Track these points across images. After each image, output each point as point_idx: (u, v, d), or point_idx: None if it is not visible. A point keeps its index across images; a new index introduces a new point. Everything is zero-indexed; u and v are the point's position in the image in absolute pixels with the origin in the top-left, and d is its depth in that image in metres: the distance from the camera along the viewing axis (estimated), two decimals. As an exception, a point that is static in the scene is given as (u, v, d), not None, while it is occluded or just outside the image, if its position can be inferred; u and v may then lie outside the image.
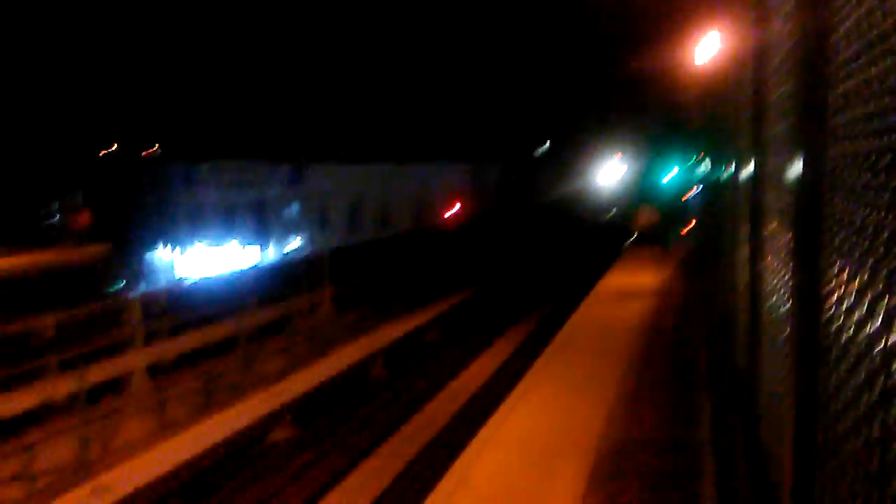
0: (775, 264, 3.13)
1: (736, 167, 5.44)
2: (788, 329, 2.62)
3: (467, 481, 7.62)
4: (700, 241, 18.67)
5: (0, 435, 11.68)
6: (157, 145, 43.43)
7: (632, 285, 18.95)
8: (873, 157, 1.75)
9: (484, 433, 9.00)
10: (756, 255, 3.78)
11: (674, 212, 28.09)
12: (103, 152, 41.02)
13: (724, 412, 5.90)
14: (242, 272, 21.13)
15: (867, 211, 1.79)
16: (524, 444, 8.53)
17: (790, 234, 2.68)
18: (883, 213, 1.67)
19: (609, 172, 43.39)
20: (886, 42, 1.72)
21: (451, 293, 23.31)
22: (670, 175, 29.65)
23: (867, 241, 1.83)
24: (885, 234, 1.67)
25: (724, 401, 5.91)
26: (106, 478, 9.60)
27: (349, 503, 9.85)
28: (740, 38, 5.53)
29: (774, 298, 3.14)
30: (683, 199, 27.77)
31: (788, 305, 2.72)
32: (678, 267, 22.14)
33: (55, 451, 11.27)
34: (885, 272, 1.71)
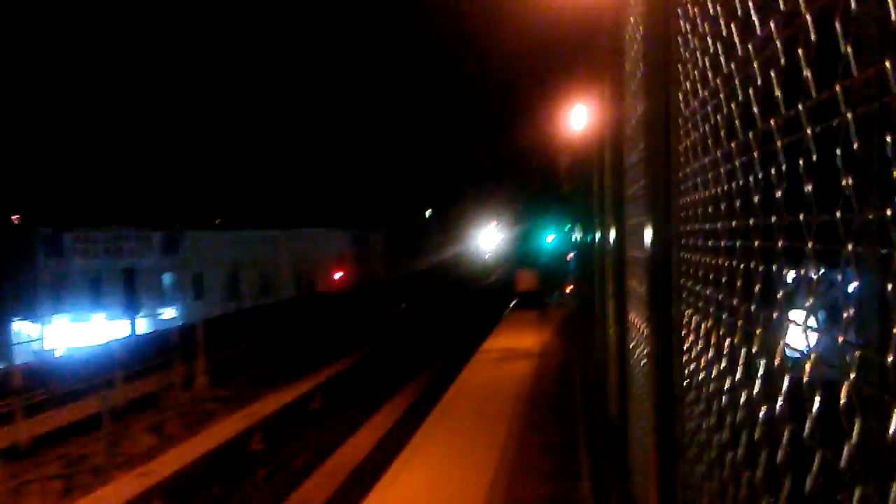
0: (637, 318, 3.27)
1: (602, 230, 5.69)
2: (649, 381, 2.72)
3: (349, 555, 7.35)
4: (577, 303, 19.29)
5: None
6: (18, 213, 40.99)
7: (513, 347, 19.25)
8: (710, 207, 1.88)
9: (367, 504, 8.75)
10: (621, 310, 3.94)
11: (552, 275, 28.96)
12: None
13: (602, 466, 6.00)
14: (110, 345, 19.97)
15: (709, 258, 1.91)
16: (407, 512, 8.34)
17: (646, 288, 2.81)
18: (722, 260, 1.78)
19: (488, 237, 44.46)
20: (715, 103, 1.87)
21: (334, 360, 22.90)
22: (548, 240, 30.69)
23: (711, 288, 1.94)
24: (724, 279, 1.78)
25: (601, 455, 6.03)
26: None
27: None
28: (601, 112, 5.87)
29: (637, 350, 3.26)
30: (560, 264, 28.71)
31: (648, 358, 2.84)
32: (557, 328, 22.71)
33: None
34: (725, 316, 1.81)
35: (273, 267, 42.33)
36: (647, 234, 2.52)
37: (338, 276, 41.03)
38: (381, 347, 26.65)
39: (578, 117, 11.71)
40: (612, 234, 4.13)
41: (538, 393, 13.95)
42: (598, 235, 6.20)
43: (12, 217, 40.73)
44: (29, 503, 12.57)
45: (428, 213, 63.48)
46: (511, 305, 28.78)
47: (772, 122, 1.37)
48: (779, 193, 1.36)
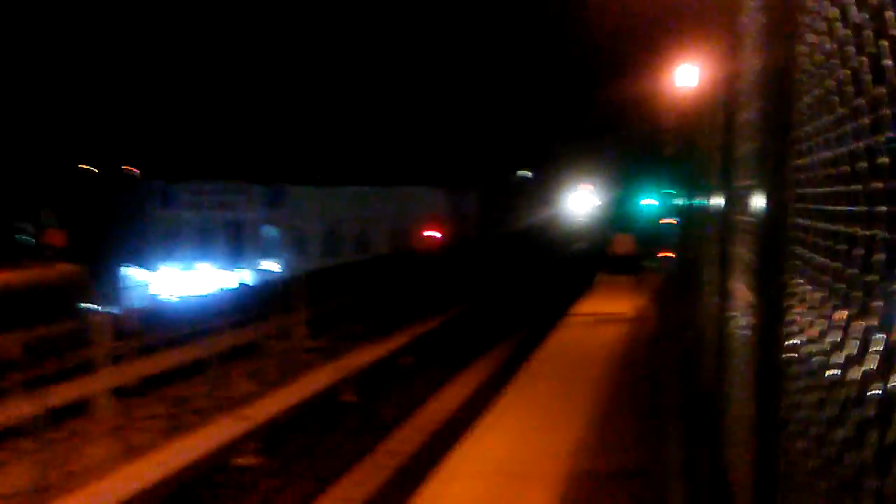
0: (741, 285, 3.09)
1: (707, 193, 5.43)
2: (750, 351, 2.57)
3: (434, 509, 7.46)
4: (675, 269, 18.76)
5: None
6: (133, 165, 43.10)
7: (606, 312, 18.95)
8: (830, 169, 1.71)
9: (452, 462, 8.85)
10: (724, 277, 3.74)
11: (650, 240, 28.22)
12: (81, 168, 40.62)
13: (694, 441, 5.83)
14: (215, 294, 20.86)
15: (826, 224, 1.75)
16: (492, 473, 8.38)
17: (753, 256, 2.64)
18: (841, 226, 1.62)
19: (586, 199, 43.68)
20: (842, 56, 1.68)
21: (426, 318, 23.17)
22: (647, 203, 29.87)
23: (828, 258, 1.78)
24: (846, 249, 1.62)
25: (694, 429, 5.85)
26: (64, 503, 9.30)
27: (315, 531, 9.62)
28: (713, 66, 5.56)
29: (738, 320, 3.09)
30: (659, 228, 27.92)
31: (750, 328, 2.67)
32: (653, 295, 22.19)
33: (13, 474, 10.95)
34: (843, 290, 1.65)
35: (371, 224, 43.05)
36: (759, 197, 2.34)
37: (431, 234, 41.34)
38: (472, 307, 26.78)
39: (685, 75, 11.21)
40: (719, 198, 3.92)
41: (630, 358, 13.71)
42: (701, 199, 5.93)
43: (125, 168, 42.89)
44: (136, 439, 13.37)
45: (526, 173, 62.88)
46: (604, 270, 28.28)
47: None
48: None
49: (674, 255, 25.12)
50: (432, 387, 16.71)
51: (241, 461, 11.77)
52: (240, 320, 18.82)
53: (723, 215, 3.80)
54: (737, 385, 3.03)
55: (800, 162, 2.17)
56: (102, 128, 39.37)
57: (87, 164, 40.81)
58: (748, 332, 2.70)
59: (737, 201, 3.47)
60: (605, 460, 8.57)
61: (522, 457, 8.81)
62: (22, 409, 12.18)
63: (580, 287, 25.23)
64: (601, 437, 9.37)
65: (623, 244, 24.61)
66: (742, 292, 3.00)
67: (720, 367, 3.71)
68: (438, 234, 39.23)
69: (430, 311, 24.16)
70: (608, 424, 9.89)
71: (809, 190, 2.04)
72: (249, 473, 11.49)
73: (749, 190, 2.89)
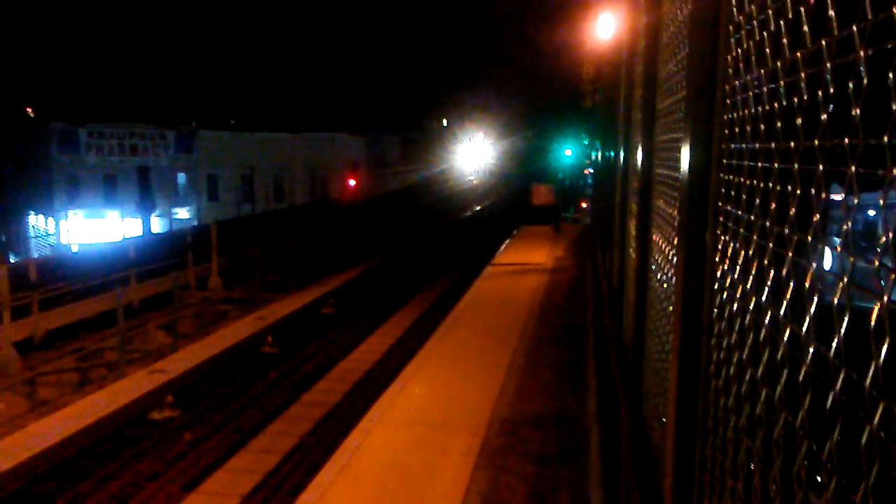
0: (663, 240, 3.10)
1: (627, 145, 5.46)
2: (673, 304, 2.59)
3: (356, 460, 7.47)
4: (592, 220, 19.10)
5: None
6: (33, 106, 40.64)
7: (526, 262, 19.21)
8: (761, 125, 1.68)
9: (374, 411, 8.87)
10: (644, 230, 3.77)
11: (567, 191, 28.63)
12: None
13: (611, 389, 5.97)
14: (124, 243, 20.09)
15: (753, 182, 1.74)
16: (415, 421, 8.45)
17: (677, 209, 2.64)
18: (769, 183, 1.61)
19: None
20: (780, 7, 1.65)
21: (346, 268, 23.00)
22: (566, 154, 30.22)
23: (752, 214, 1.77)
24: (771, 204, 1.61)
25: (611, 377, 5.98)
26: (-36, 463, 8.89)
27: (234, 484, 9.50)
28: (633, 18, 5.53)
29: (660, 273, 3.11)
30: (578, 179, 28.35)
31: (673, 280, 2.69)
32: (571, 245, 22.62)
33: None
34: (769, 244, 1.65)
35: (287, 171, 42.10)
36: (685, 152, 2.32)
37: (352, 182, 40.80)
38: (392, 257, 26.71)
39: (606, 25, 11.22)
40: (640, 151, 3.92)
41: (549, 308, 13.96)
42: (621, 151, 5.97)
43: (27, 109, 40.44)
44: (45, 394, 12.87)
45: (444, 122, 62.59)
46: (523, 221, 28.59)
47: (823, 42, 1.23)
48: (824, 116, 1.24)
49: (591, 206, 25.58)
50: (354, 338, 16.66)
51: (156, 415, 11.49)
52: (152, 270, 18.24)
53: (644, 169, 3.81)
54: (658, 336, 3.07)
55: (726, 116, 2.15)
56: (2, 66, 36.91)
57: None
58: (672, 288, 2.72)
59: (658, 154, 3.48)
60: (526, 408, 8.75)
61: (445, 406, 8.90)
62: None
63: (501, 237, 25.46)
64: (522, 385, 9.55)
65: (542, 194, 24.88)
66: (665, 246, 3.01)
67: (640, 319, 3.76)
68: (358, 183, 38.77)
69: (350, 262, 23.98)
70: (528, 373, 10.08)
71: (735, 146, 2.03)
72: (166, 427, 11.23)
73: (672, 143, 2.89)
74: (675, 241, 2.69)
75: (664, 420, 2.81)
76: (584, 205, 33.22)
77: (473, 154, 48.20)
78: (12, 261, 22.18)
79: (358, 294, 20.74)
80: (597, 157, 16.97)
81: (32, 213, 32.47)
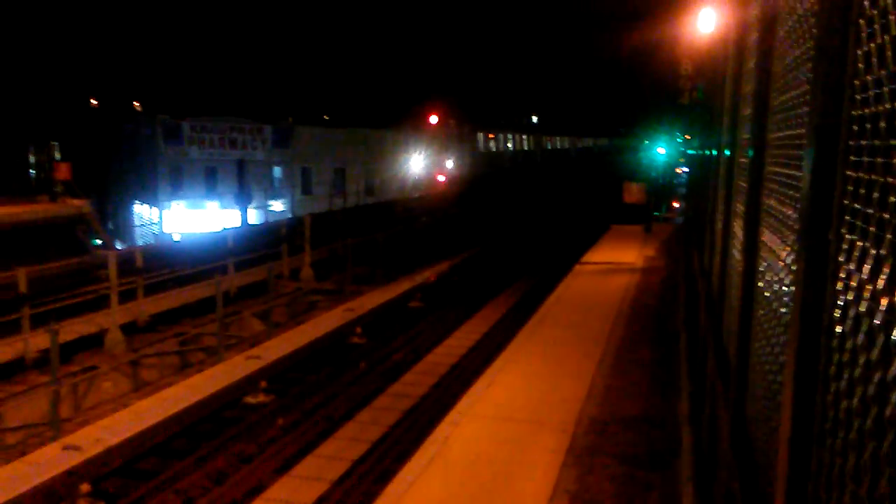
0: (775, 241, 3.00)
1: (733, 142, 5.30)
2: (786, 305, 2.51)
3: (444, 452, 7.54)
4: (687, 219, 18.62)
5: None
6: (140, 100, 42.65)
7: (615, 261, 18.91)
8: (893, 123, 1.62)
9: (462, 405, 8.92)
10: (752, 231, 3.66)
11: (661, 190, 27.99)
12: (91, 102, 40.21)
13: (707, 391, 5.83)
14: (223, 233, 20.84)
15: (887, 179, 1.67)
16: (503, 417, 8.46)
17: (793, 208, 2.56)
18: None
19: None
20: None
21: (435, 262, 23.19)
22: (659, 152, 29.53)
23: (885, 216, 1.70)
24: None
25: (707, 380, 5.84)
26: (77, 436, 9.44)
27: (324, 469, 9.75)
28: (742, 10, 5.36)
29: (771, 275, 3.01)
30: (671, 178, 27.67)
31: (787, 280, 2.61)
32: (662, 246, 22.13)
33: (26, 407, 11.10)
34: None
35: (378, 166, 42.70)
36: (809, 150, 2.25)
37: (441, 178, 41.09)
38: (480, 253, 26.76)
39: (707, 19, 10.90)
40: (749, 148, 3.80)
41: (639, 308, 13.71)
42: (725, 149, 5.80)
43: (134, 104, 42.45)
44: (147, 376, 13.52)
45: (532, 118, 62.22)
46: (615, 219, 28.13)
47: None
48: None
49: (684, 205, 24.94)
50: (441, 331, 16.80)
51: (251, 399, 11.90)
52: (248, 259, 18.86)
53: (754, 167, 3.69)
54: (767, 340, 2.98)
55: (855, 113, 2.07)
56: (112, 62, 38.88)
57: (96, 99, 40.42)
58: (785, 289, 2.63)
59: (771, 151, 3.37)
60: (615, 407, 8.63)
61: (533, 402, 8.88)
62: (34, 343, 12.30)
63: (592, 235, 25.13)
64: (611, 384, 9.42)
65: (633, 193, 24.40)
66: (777, 247, 2.92)
67: (745, 323, 3.66)
68: (448, 178, 38.99)
69: (438, 256, 24.17)
70: (618, 372, 9.94)
71: (866, 142, 1.95)
72: (260, 411, 11.62)
73: (791, 141, 2.79)
74: (792, 241, 2.60)
75: (773, 423, 2.73)
76: (675, 204, 32.39)
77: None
78: (119, 248, 23.37)
79: (445, 289, 20.89)
80: (693, 154, 16.51)
81: (138, 202, 34.09)
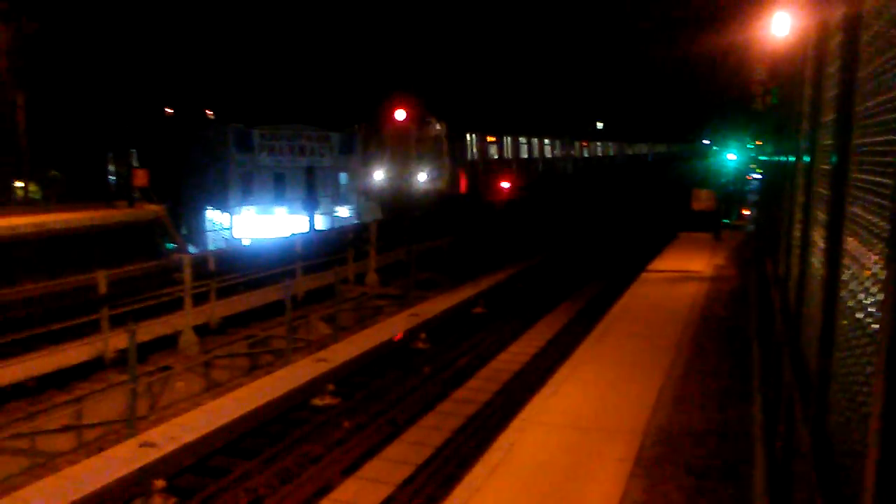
0: (861, 249, 2.92)
1: (812, 149, 5.16)
2: (876, 322, 2.44)
3: (509, 459, 7.53)
4: (759, 227, 18.14)
5: (52, 387, 11.99)
6: (212, 109, 43.93)
7: (683, 269, 18.56)
8: None
9: (527, 411, 8.89)
10: (835, 240, 3.56)
11: (730, 197, 27.35)
12: (166, 111, 41.63)
13: (781, 404, 5.68)
14: (291, 238, 21.23)
15: None
16: (569, 424, 8.40)
17: (884, 219, 2.49)
18: None
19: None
20: None
21: (498, 268, 23.17)
22: (729, 158, 28.88)
23: None
24: None
25: (782, 392, 5.69)
26: (152, 434, 9.77)
27: (389, 472, 9.85)
28: (822, 12, 5.22)
29: (855, 284, 2.93)
30: (741, 185, 27.01)
31: (875, 290, 2.53)
32: (732, 254, 21.63)
33: (104, 405, 11.54)
34: None
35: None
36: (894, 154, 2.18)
37: (505, 185, 41.00)
38: (544, 260, 26.62)
39: (782, 23, 10.62)
40: (832, 155, 3.70)
41: (709, 317, 13.43)
42: (804, 155, 5.65)
43: (206, 112, 43.73)
44: (218, 376, 13.89)
45: (599, 125, 61.56)
46: (683, 226, 27.62)
47: None
48: None
49: (756, 213, 24.28)
50: (504, 338, 16.78)
51: (318, 402, 12.11)
52: (316, 264, 19.19)
53: (837, 174, 3.59)
54: (851, 351, 2.89)
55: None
56: (186, 72, 40.13)
57: (171, 108, 41.83)
58: (873, 299, 2.56)
59: (856, 159, 3.27)
60: (684, 418, 8.47)
61: (599, 411, 8.79)
62: (112, 342, 12.76)
63: (658, 242, 24.73)
64: (679, 394, 9.26)
65: (702, 200, 23.90)
66: (863, 258, 2.84)
67: (827, 333, 3.56)
68: (512, 185, 38.88)
69: (502, 262, 24.14)
70: (686, 382, 9.75)
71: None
72: (327, 413, 11.81)
73: (880, 147, 2.71)
74: (880, 250, 2.53)
75: (857, 437, 2.65)
76: (746, 212, 31.59)
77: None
78: (192, 252, 24.07)
79: (509, 295, 20.84)
80: (766, 160, 16.08)
81: (209, 207, 35.05)
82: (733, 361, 10.73)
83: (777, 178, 10.52)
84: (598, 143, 54.13)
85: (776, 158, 11.08)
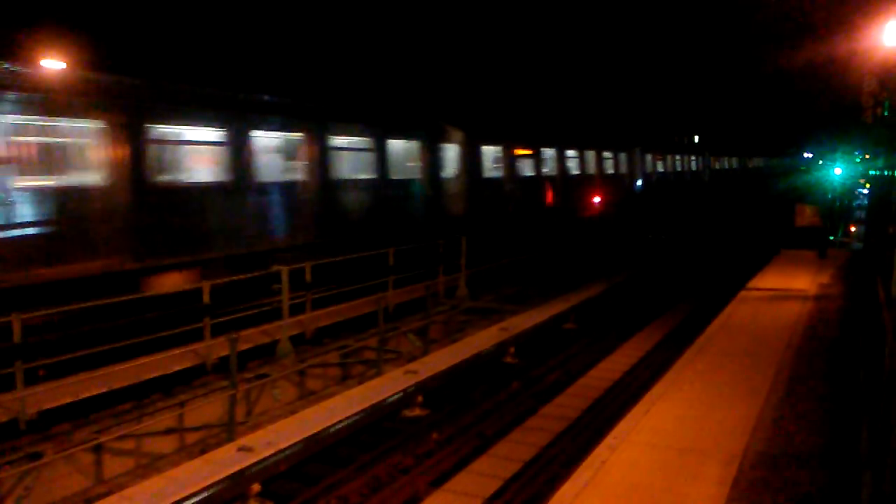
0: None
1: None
2: None
3: (600, 478, 7.41)
4: (865, 244, 17.29)
5: (156, 392, 12.55)
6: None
7: (785, 288, 17.85)
8: None
9: (619, 429, 8.74)
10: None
11: (836, 213, 26.13)
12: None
13: (892, 431, 5.39)
14: (383, 251, 21.58)
15: None
16: (663, 444, 8.20)
17: None
18: None
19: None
20: None
21: (587, 284, 22.85)
22: (835, 173, 27.62)
23: None
24: None
25: (889, 422, 5.40)
26: (249, 439, 10.09)
27: (477, 486, 9.84)
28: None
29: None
30: (848, 200, 25.77)
31: None
32: (837, 272, 20.65)
33: (204, 410, 12.00)
34: None
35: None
36: None
37: (596, 199, 40.49)
38: (635, 275, 26.10)
39: (895, 32, 10.14)
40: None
41: (813, 338, 12.86)
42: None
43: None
44: (312, 385, 14.23)
45: (696, 138, 60.09)
46: (785, 243, 26.58)
47: None
48: None
49: (866, 228, 23.13)
50: (595, 354, 16.54)
51: (408, 413, 12.24)
52: (406, 277, 19.42)
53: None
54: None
55: None
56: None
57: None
58: None
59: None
60: (785, 441, 8.14)
61: (695, 431, 8.55)
62: (216, 350, 13.28)
63: (758, 259, 23.90)
64: (780, 417, 8.90)
65: (806, 216, 22.92)
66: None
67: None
68: (602, 200, 38.38)
69: (592, 276, 23.81)
70: (788, 405, 9.37)
71: None
72: (416, 425, 11.93)
73: None
74: None
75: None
76: (853, 228, 30.10)
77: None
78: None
79: (599, 311, 20.52)
80: (877, 175, 15.32)
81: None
82: (837, 384, 10.24)
83: (888, 193, 10.00)
84: (693, 157, 52.78)
85: (888, 172, 10.54)
